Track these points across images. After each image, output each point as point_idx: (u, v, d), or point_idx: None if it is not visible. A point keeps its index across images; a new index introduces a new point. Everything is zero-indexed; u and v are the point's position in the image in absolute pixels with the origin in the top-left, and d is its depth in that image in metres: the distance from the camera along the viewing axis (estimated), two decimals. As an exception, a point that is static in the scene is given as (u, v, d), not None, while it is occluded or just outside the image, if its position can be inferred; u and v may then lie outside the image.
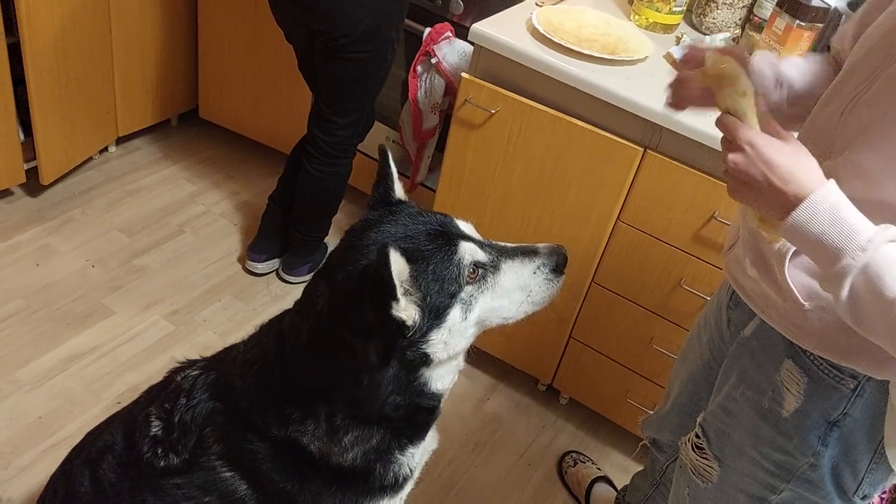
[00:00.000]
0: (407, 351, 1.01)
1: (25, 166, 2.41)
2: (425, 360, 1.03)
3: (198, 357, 1.28)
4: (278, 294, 2.42)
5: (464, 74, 1.82)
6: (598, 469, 2.04)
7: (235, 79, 2.74)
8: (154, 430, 1.18)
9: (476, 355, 2.24)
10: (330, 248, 2.51)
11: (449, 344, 1.03)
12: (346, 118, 2.13)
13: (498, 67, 1.78)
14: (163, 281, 2.36)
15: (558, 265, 1.08)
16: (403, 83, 2.35)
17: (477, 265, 1.03)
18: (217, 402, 1.17)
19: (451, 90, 2.22)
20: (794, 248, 0.94)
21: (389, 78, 2.17)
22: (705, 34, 1.96)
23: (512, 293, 1.06)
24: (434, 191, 2.07)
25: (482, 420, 2.16)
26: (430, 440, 1.27)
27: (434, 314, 0.99)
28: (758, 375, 1.06)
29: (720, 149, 1.59)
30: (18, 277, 2.26)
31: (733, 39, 1.92)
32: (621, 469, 2.10)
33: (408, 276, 0.97)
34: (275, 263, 2.47)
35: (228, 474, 1.14)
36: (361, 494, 1.17)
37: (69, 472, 1.29)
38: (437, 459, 2.02)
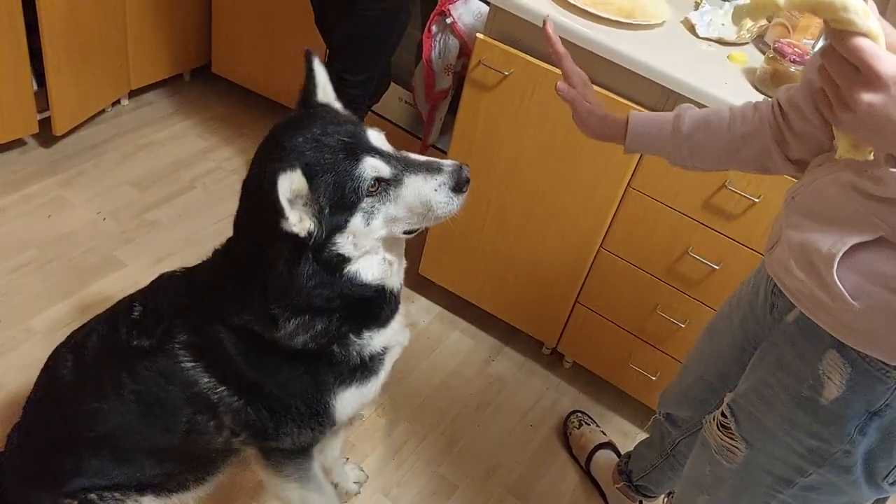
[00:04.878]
0: (319, 251, 1.08)
1: (38, 116, 2.42)
2: (340, 258, 1.11)
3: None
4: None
5: (479, 35, 1.80)
6: (604, 433, 2.03)
7: (249, 35, 2.73)
8: (135, 313, 1.30)
9: (482, 317, 2.27)
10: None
11: (358, 245, 1.11)
12: (357, 76, 2.12)
13: (513, 28, 1.76)
14: (174, 235, 2.38)
15: (459, 184, 1.11)
16: (418, 43, 2.33)
17: (379, 179, 1.08)
18: (186, 297, 1.27)
19: (465, 51, 2.20)
20: (843, 251, 0.91)
21: (403, 38, 2.15)
22: (725, -1, 1.93)
23: (413, 206, 1.11)
24: (445, 153, 2.07)
25: (486, 381, 2.19)
26: (400, 335, 1.32)
27: (335, 222, 1.07)
28: (798, 363, 1.04)
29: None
30: (31, 227, 2.28)
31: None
32: (623, 434, 2.13)
33: (307, 191, 1.04)
34: (284, 220, 2.48)
35: (190, 364, 1.22)
36: (331, 380, 1.24)
37: (52, 365, 1.38)
38: (440, 417, 2.05)
